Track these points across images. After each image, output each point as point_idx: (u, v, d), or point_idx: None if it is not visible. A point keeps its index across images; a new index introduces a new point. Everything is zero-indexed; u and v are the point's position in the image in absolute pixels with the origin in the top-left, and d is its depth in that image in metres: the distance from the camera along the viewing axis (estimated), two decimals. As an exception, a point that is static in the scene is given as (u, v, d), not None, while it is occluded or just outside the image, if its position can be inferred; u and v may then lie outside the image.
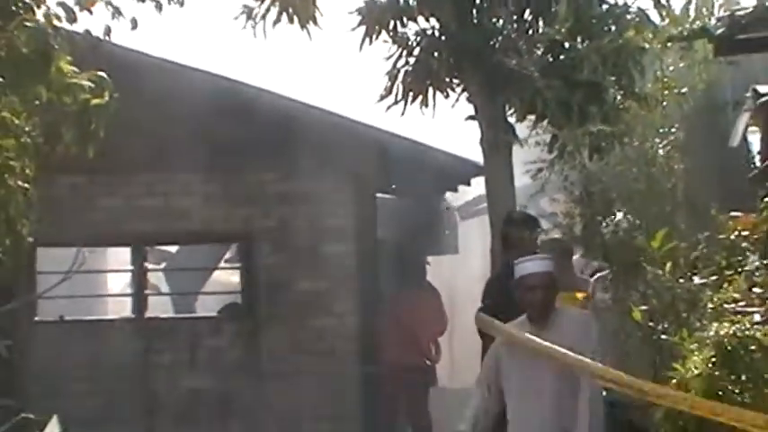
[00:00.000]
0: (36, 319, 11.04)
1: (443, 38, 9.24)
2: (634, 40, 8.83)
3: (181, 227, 11.20)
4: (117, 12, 6.36)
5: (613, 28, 8.86)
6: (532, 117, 9.01)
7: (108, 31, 6.36)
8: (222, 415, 10.92)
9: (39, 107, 6.21)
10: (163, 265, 15.17)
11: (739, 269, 6.78)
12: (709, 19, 10.15)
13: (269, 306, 11.18)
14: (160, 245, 13.96)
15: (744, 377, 5.54)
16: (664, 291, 6.91)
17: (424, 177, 11.21)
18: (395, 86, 9.32)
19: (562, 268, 7.69)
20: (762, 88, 10.22)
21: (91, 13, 6.28)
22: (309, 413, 10.92)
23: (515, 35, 8.83)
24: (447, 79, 9.31)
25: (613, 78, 8.72)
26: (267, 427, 10.85)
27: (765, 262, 6.76)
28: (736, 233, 7.11)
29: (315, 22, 9.34)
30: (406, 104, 9.35)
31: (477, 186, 11.33)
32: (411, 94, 9.32)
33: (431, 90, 9.33)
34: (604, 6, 9.03)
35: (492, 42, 9.07)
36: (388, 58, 9.36)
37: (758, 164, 10.37)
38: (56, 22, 6.11)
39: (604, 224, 7.78)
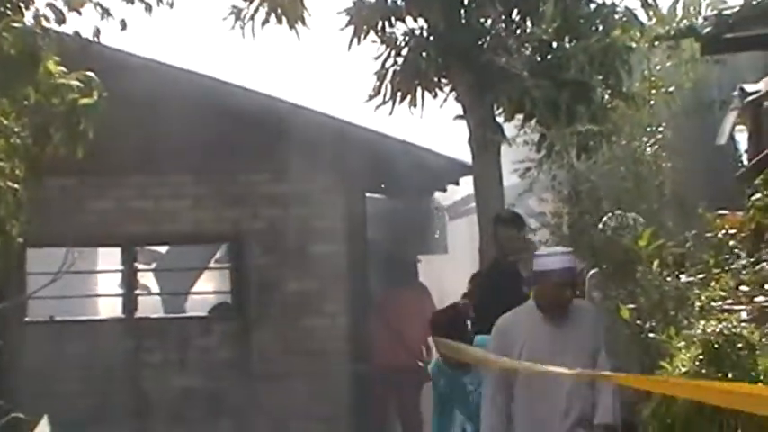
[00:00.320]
0: (26, 319, 11.02)
1: (432, 38, 9.27)
2: (621, 39, 8.87)
3: (171, 228, 11.21)
4: (106, 13, 6.37)
5: (601, 27, 8.91)
6: (520, 116, 9.04)
7: (97, 32, 6.37)
8: (212, 415, 10.92)
9: (27, 108, 6.22)
10: (153, 266, 15.15)
11: (726, 267, 6.82)
12: (697, 18, 10.16)
13: (259, 306, 11.18)
14: (150, 246, 13.94)
15: (730, 375, 5.58)
16: (652, 289, 6.93)
17: (413, 177, 11.20)
18: (383, 86, 9.35)
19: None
20: (749, 87, 10.28)
21: (80, 14, 6.29)
22: (300, 413, 10.91)
23: (503, 35, 8.86)
24: (435, 79, 9.34)
25: (601, 78, 8.76)
26: (257, 427, 10.85)
27: (752, 260, 6.80)
28: (724, 231, 7.16)
29: (303, 23, 9.37)
30: (394, 104, 9.37)
31: (466, 186, 11.34)
32: (399, 93, 9.34)
33: (419, 90, 9.36)
34: (592, 6, 9.08)
35: (480, 42, 9.11)
36: (377, 58, 9.39)
37: (745, 162, 10.42)
38: (45, 23, 6.11)
39: (593, 223, 7.79)
